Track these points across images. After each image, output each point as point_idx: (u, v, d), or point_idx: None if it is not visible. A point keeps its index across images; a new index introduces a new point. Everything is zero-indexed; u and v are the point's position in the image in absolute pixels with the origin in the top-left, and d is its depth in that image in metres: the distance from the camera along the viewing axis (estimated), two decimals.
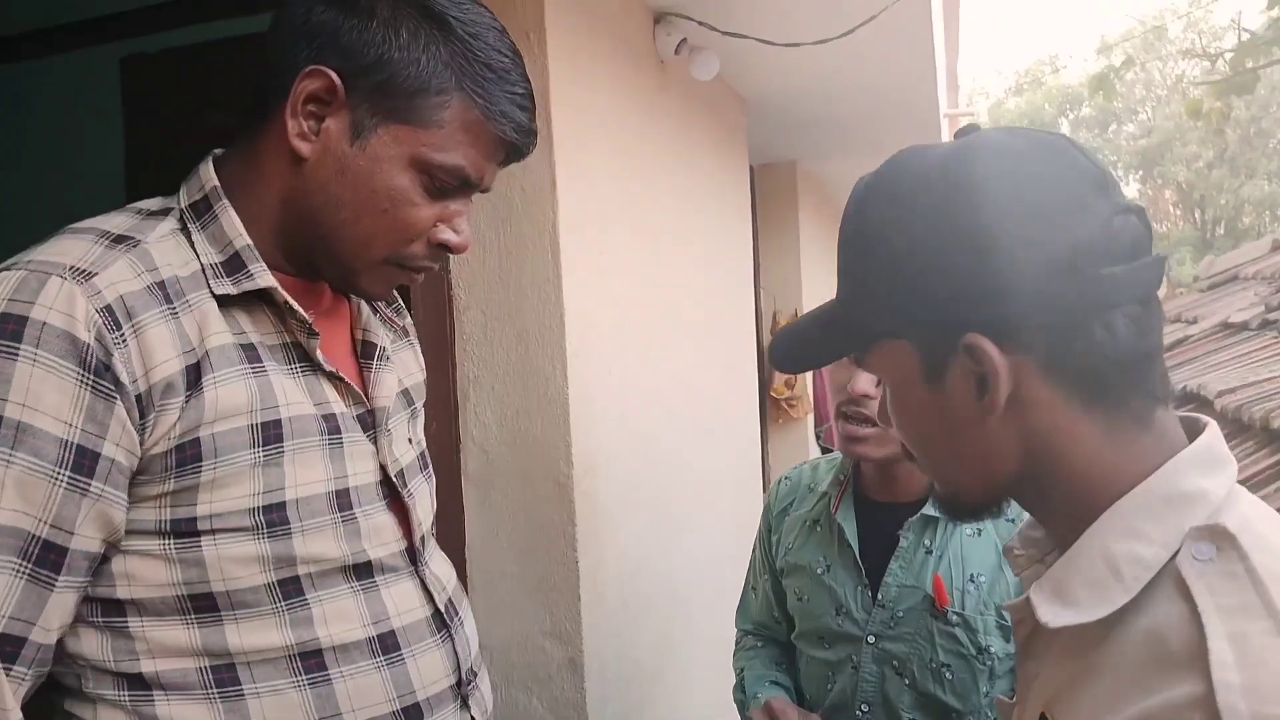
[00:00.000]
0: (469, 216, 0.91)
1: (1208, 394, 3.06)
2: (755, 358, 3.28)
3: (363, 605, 0.89)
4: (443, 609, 0.96)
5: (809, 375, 4.59)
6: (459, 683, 0.95)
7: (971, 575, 1.25)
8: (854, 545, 1.32)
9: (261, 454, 0.83)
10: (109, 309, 0.77)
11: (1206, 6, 15.74)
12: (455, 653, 0.95)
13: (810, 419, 4.59)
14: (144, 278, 0.81)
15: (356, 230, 0.87)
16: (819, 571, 1.35)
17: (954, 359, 0.63)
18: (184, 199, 0.89)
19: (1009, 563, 0.75)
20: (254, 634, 0.83)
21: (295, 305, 0.87)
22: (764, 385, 4.24)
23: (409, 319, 1.15)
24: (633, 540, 2.02)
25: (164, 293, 0.82)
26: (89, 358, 0.75)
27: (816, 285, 4.80)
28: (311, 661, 0.86)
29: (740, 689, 1.47)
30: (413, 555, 0.95)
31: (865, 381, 1.25)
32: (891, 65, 2.97)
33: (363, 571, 0.90)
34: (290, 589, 0.85)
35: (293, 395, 0.87)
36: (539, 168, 1.69)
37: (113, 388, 0.76)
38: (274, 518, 0.83)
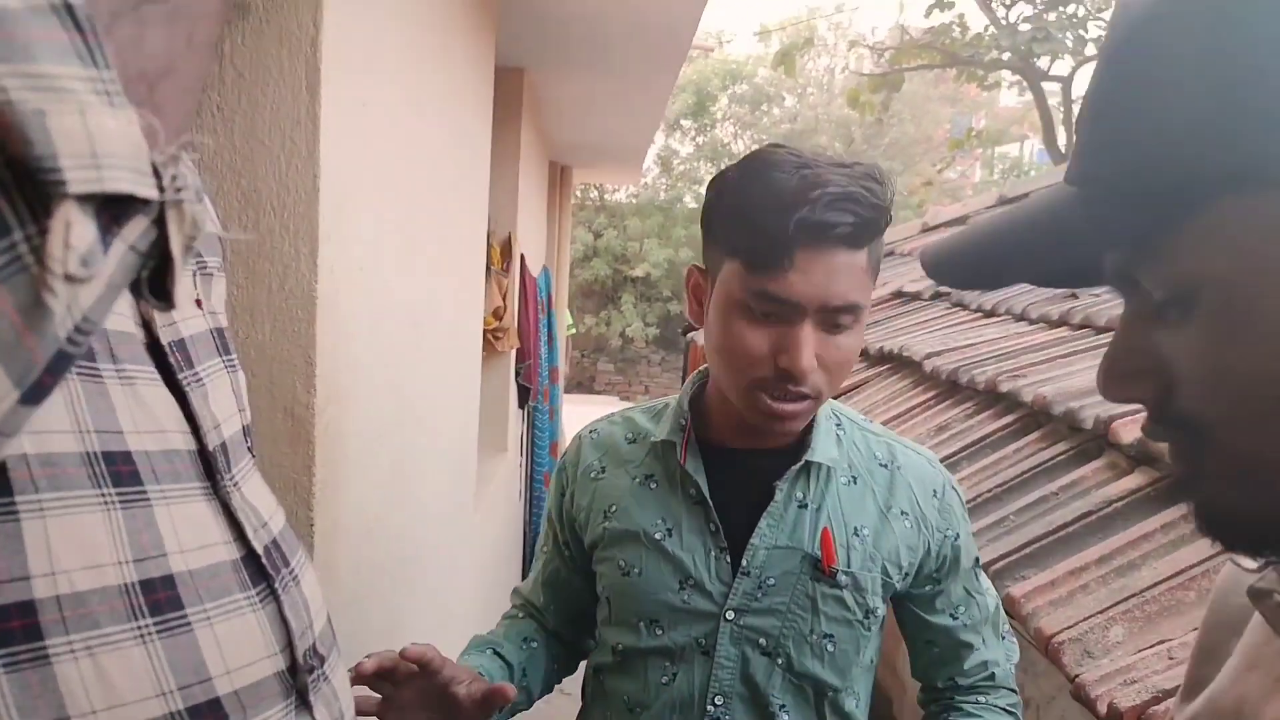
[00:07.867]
0: None
1: (912, 355, 3.16)
2: (482, 283, 2.86)
3: (118, 526, 0.50)
4: (261, 552, 0.60)
5: (515, 305, 4.24)
6: (293, 669, 0.59)
7: (856, 529, 1.06)
8: (709, 502, 1.07)
9: None
10: None
11: (854, 9, 17.49)
12: (284, 621, 0.60)
13: (513, 354, 4.24)
14: None
15: None
16: (657, 537, 1.08)
17: None
18: None
19: (1262, 608, 0.46)
20: None
21: None
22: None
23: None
24: (371, 491, 1.56)
25: None
26: None
27: (529, 217, 4.43)
28: (16, 624, 0.46)
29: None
30: (208, 464, 0.58)
31: (809, 356, 0.96)
32: None
33: (120, 470, 0.51)
34: None
35: None
36: None
37: None
38: None
